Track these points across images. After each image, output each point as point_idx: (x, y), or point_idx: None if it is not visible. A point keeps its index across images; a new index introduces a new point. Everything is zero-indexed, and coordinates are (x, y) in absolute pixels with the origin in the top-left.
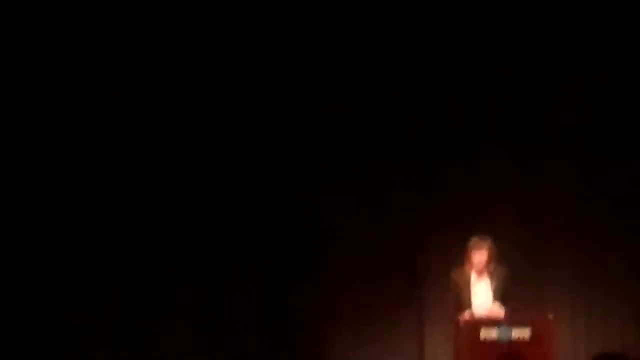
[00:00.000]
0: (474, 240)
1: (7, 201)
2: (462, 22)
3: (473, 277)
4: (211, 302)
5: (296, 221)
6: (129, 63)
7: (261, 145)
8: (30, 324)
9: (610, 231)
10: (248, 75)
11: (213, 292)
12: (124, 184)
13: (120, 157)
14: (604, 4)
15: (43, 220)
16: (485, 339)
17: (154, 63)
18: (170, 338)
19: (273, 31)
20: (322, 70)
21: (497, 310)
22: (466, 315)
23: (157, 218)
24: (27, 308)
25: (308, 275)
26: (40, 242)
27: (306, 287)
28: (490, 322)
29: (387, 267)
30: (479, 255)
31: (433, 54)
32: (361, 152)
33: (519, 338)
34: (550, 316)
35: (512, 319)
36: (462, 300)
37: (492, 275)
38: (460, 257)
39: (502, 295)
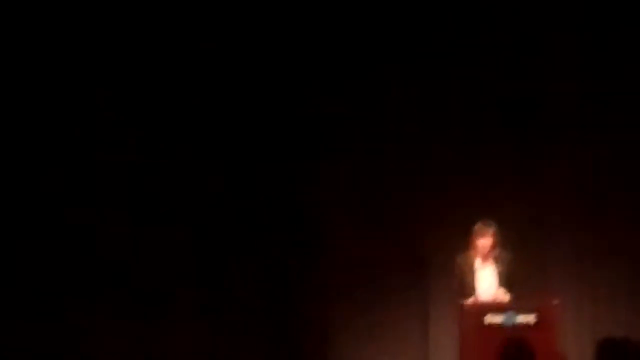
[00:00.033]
0: (479, 225)
1: (7, 201)
2: (458, 19)
3: (478, 262)
4: (211, 302)
5: (297, 207)
6: (128, 63)
7: (260, 143)
8: (30, 324)
9: (616, 216)
10: (248, 75)
11: (213, 292)
12: (124, 184)
13: (120, 157)
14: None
15: (43, 220)
16: (489, 325)
17: (155, 64)
18: (170, 338)
19: (272, 31)
20: (322, 70)
21: (502, 296)
22: (471, 300)
23: (157, 218)
24: (27, 308)
25: (311, 260)
26: (40, 242)
27: (310, 271)
28: (495, 307)
29: (392, 253)
30: (484, 241)
31: (431, 44)
32: (361, 137)
33: (523, 323)
34: (555, 301)
35: (517, 305)
36: (467, 286)
37: (496, 261)
38: (464, 243)
39: (507, 280)
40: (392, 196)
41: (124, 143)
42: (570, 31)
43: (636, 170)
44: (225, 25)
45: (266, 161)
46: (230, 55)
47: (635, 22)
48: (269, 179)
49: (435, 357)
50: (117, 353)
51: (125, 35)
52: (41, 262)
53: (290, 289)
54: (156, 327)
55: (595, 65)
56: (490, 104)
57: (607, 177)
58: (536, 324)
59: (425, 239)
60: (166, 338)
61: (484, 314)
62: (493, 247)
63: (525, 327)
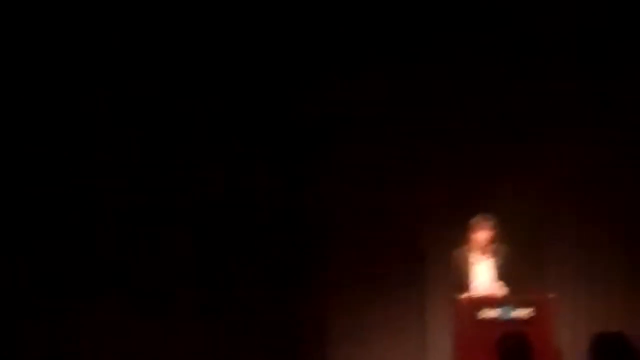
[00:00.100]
0: (476, 219)
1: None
2: (453, 17)
3: (475, 256)
4: (210, 302)
5: (294, 205)
6: (126, 64)
7: (255, 142)
8: (30, 324)
9: (612, 211)
10: (247, 74)
11: (211, 291)
12: (124, 184)
13: (119, 157)
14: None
15: (43, 220)
16: (486, 319)
17: (155, 64)
18: (169, 337)
19: (273, 31)
20: (315, 70)
21: (499, 290)
22: (467, 294)
23: (155, 218)
24: (27, 308)
25: (308, 255)
26: (39, 242)
27: (307, 267)
28: (492, 301)
29: (389, 247)
30: (481, 234)
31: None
32: (358, 134)
33: (519, 318)
34: (552, 296)
35: (513, 299)
36: (464, 280)
37: (494, 255)
38: (462, 237)
39: (503, 274)
40: (388, 191)
41: (123, 143)
42: (569, 31)
43: (632, 167)
44: (225, 25)
45: (263, 161)
46: (230, 54)
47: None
48: (267, 179)
49: (432, 351)
50: (115, 354)
51: (123, 36)
52: (41, 262)
53: (287, 284)
54: (155, 326)
55: (591, 64)
56: (488, 100)
57: (603, 172)
58: (532, 318)
59: (422, 233)
60: (164, 337)
61: (480, 308)
62: (490, 241)
63: (521, 321)
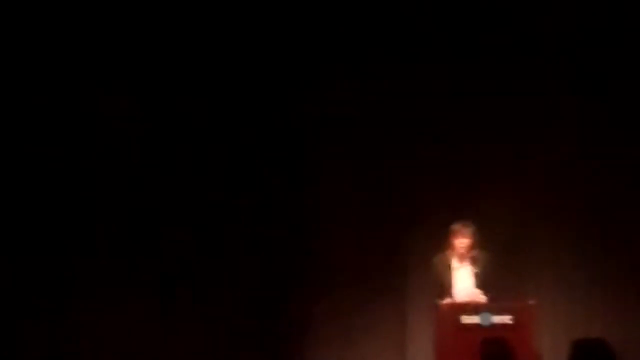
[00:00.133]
0: (456, 225)
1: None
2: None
3: (455, 262)
4: (199, 303)
5: (280, 213)
6: (125, 63)
7: (242, 145)
8: (30, 324)
9: (591, 218)
10: (247, 74)
11: (200, 292)
12: (124, 184)
13: (117, 157)
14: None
15: (43, 220)
16: (466, 325)
17: (154, 64)
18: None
19: (272, 31)
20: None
21: (479, 296)
22: (447, 301)
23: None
24: (26, 308)
25: (290, 261)
26: (39, 242)
27: (290, 275)
28: (472, 308)
29: (370, 252)
30: (461, 241)
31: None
32: (338, 141)
33: (500, 324)
34: (532, 302)
35: (493, 305)
36: (444, 286)
37: (474, 261)
38: (442, 243)
39: (483, 281)
40: (370, 197)
41: (121, 143)
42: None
43: (614, 172)
44: (225, 25)
45: (253, 165)
46: (230, 55)
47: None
48: (255, 184)
49: (413, 357)
50: (117, 353)
51: (123, 35)
52: (41, 262)
53: (271, 291)
54: (149, 324)
55: (574, 65)
56: (470, 105)
57: (584, 179)
58: (512, 324)
59: (402, 240)
60: (158, 336)
61: (461, 314)
62: (470, 247)
63: (502, 327)
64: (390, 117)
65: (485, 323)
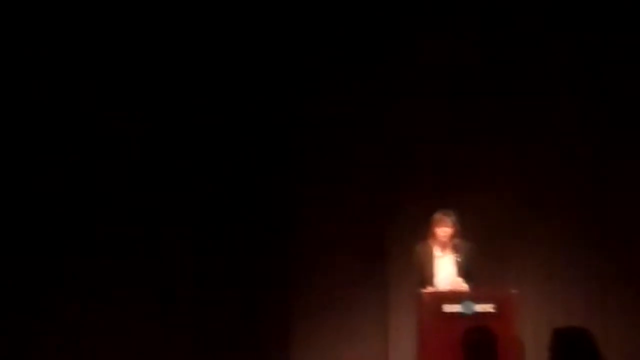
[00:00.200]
0: (438, 214)
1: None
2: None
3: (437, 251)
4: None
5: (263, 202)
6: (124, 63)
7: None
8: (30, 324)
9: (573, 208)
10: (246, 75)
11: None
12: (124, 184)
13: (119, 157)
14: None
15: (43, 220)
16: (448, 314)
17: (157, 65)
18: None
19: (271, 32)
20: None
21: (461, 285)
22: (430, 289)
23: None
24: (26, 308)
25: (273, 250)
26: (39, 242)
27: (271, 261)
28: (454, 296)
29: (352, 240)
30: (443, 230)
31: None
32: (327, 130)
33: (482, 312)
34: (514, 291)
35: (475, 294)
36: (426, 275)
37: (456, 250)
38: (424, 231)
39: (465, 270)
40: (352, 187)
41: (123, 143)
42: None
43: (593, 166)
44: (224, 26)
45: (234, 158)
46: (230, 56)
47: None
48: (238, 176)
49: (395, 346)
50: (117, 353)
51: (123, 37)
52: (41, 262)
53: (252, 280)
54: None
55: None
56: (453, 96)
57: (566, 169)
58: (494, 313)
59: (385, 228)
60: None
61: (443, 303)
62: (452, 236)
63: (484, 316)
64: (362, 112)
65: (468, 312)
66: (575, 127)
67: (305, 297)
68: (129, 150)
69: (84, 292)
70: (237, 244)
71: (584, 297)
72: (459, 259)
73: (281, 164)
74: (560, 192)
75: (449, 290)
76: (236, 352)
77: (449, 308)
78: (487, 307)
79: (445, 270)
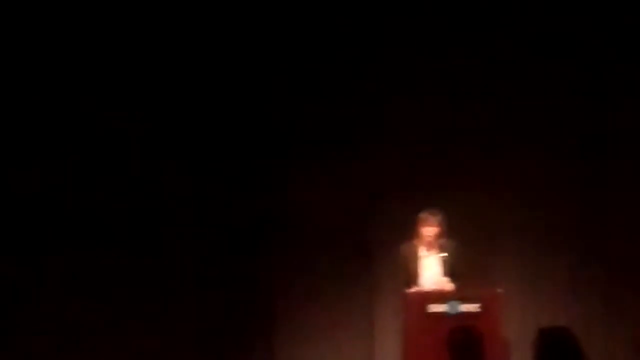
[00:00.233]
0: (424, 213)
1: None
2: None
3: (422, 251)
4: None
5: (249, 201)
6: (118, 64)
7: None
8: (30, 323)
9: (559, 209)
10: (239, 76)
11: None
12: (123, 184)
13: (118, 157)
14: None
15: (43, 220)
16: (433, 313)
17: (151, 63)
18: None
19: (267, 33)
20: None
21: (446, 285)
22: (415, 289)
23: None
24: (26, 308)
25: (258, 249)
26: (39, 242)
27: (256, 260)
28: (439, 296)
29: (338, 240)
30: (429, 229)
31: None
32: (312, 129)
33: (467, 312)
34: (499, 291)
35: (461, 294)
36: (411, 274)
37: (441, 250)
38: (410, 231)
39: (451, 269)
40: (333, 185)
41: (118, 143)
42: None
43: (578, 167)
44: (218, 26)
45: (218, 159)
46: (221, 58)
47: None
48: (222, 177)
49: (380, 345)
50: (117, 353)
51: (118, 37)
52: (42, 262)
53: (238, 278)
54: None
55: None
56: (439, 95)
57: (551, 171)
58: (480, 312)
59: (370, 227)
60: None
61: (428, 303)
62: (438, 236)
63: (469, 315)
64: (349, 111)
65: (453, 311)
66: (574, 127)
67: (290, 297)
68: (129, 150)
69: (84, 292)
70: (222, 245)
71: (569, 297)
72: (444, 259)
73: (270, 165)
74: (546, 192)
75: (434, 290)
76: (221, 352)
77: (434, 308)
78: (473, 307)
79: (431, 270)
